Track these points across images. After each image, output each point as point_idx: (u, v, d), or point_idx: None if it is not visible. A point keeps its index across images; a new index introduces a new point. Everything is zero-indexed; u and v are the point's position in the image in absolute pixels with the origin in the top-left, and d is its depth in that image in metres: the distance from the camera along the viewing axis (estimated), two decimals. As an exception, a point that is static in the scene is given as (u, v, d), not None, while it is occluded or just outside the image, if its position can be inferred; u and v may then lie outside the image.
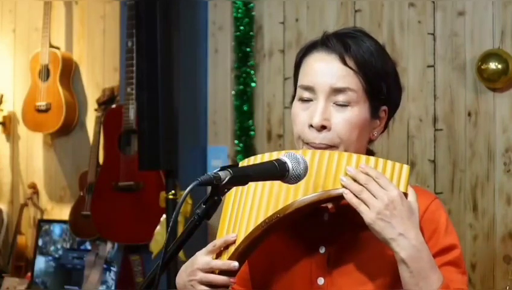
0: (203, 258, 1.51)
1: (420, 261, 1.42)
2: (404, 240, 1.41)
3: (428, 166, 3.44)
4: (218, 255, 1.51)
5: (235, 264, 1.49)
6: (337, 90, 1.52)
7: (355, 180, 1.45)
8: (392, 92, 1.59)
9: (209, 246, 1.52)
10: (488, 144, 3.31)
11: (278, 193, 1.49)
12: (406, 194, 1.46)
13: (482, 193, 3.31)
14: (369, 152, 1.62)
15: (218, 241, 1.51)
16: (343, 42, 1.55)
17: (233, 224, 1.52)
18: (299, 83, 1.58)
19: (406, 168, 1.47)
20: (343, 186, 1.46)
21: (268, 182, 1.50)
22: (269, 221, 1.48)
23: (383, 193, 1.42)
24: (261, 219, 1.48)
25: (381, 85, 1.55)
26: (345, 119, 1.52)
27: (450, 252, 1.52)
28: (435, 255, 1.48)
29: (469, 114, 3.35)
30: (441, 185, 3.41)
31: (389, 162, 1.48)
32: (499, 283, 3.24)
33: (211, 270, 1.50)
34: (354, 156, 1.49)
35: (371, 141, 1.61)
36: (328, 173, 1.48)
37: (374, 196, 1.43)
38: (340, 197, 1.47)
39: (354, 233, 1.55)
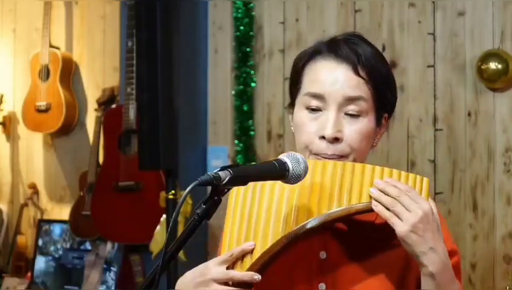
0: (217, 268, 1.45)
1: (446, 274, 1.42)
2: (434, 254, 1.40)
3: (428, 166, 3.44)
4: (231, 265, 1.45)
5: (258, 276, 1.43)
6: (349, 100, 1.50)
7: (384, 194, 1.43)
8: (395, 99, 1.59)
9: (225, 256, 1.45)
10: (488, 144, 3.31)
11: (298, 205, 1.44)
12: None
13: (482, 193, 3.31)
14: None
15: (235, 251, 1.44)
16: (353, 50, 1.52)
17: (245, 232, 1.47)
18: (305, 90, 1.54)
19: (425, 181, 1.46)
20: (371, 199, 1.43)
21: (286, 191, 1.46)
22: (290, 236, 1.43)
23: (416, 207, 1.40)
24: (280, 233, 1.43)
25: (387, 93, 1.55)
26: (356, 130, 1.51)
27: (452, 258, 1.49)
28: None
29: (469, 114, 3.35)
30: (441, 185, 3.41)
31: (411, 175, 1.46)
32: (499, 283, 3.24)
33: (226, 282, 1.44)
34: (378, 168, 1.46)
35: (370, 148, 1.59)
36: (353, 186, 1.44)
37: (407, 209, 1.40)
38: (365, 210, 1.44)
39: (357, 241, 1.53)
